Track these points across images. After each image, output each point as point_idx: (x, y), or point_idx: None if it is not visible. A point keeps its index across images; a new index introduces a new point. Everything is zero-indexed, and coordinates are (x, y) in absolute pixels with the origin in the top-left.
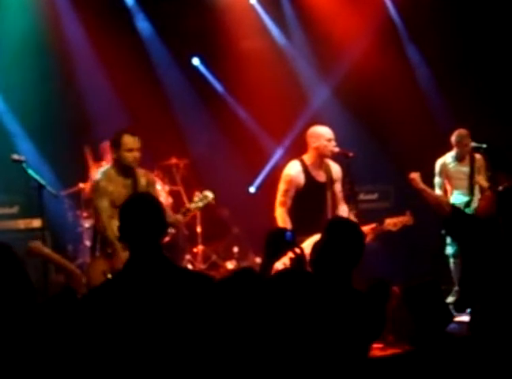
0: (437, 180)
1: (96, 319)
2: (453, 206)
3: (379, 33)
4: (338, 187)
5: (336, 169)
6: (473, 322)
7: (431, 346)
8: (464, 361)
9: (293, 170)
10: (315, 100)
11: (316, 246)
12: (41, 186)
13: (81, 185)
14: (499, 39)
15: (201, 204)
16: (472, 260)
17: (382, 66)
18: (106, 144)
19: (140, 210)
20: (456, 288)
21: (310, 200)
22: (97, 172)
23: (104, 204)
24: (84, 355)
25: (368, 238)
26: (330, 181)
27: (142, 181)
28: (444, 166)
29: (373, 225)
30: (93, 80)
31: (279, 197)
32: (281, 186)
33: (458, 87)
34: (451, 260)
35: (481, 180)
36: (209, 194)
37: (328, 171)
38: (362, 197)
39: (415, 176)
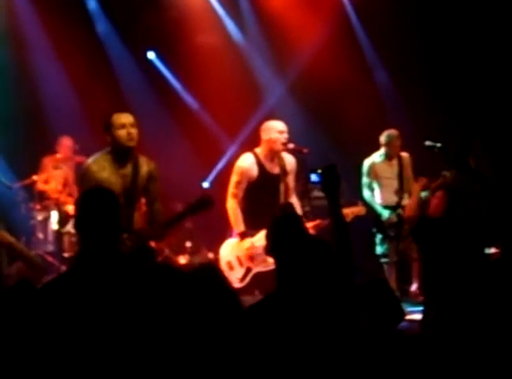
0: (365, 180)
1: (51, 312)
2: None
3: (335, 30)
4: (291, 179)
5: (290, 160)
6: (426, 320)
7: (381, 343)
8: (415, 359)
9: (246, 162)
10: (270, 96)
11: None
12: None
13: (35, 177)
14: (456, 39)
15: None
16: (432, 259)
17: (337, 63)
18: (63, 139)
19: (96, 204)
20: None
21: (263, 192)
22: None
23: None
24: (41, 347)
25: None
26: (284, 173)
27: (143, 171)
28: (373, 165)
29: (316, 221)
30: (48, 73)
31: (230, 189)
32: (233, 178)
33: (413, 85)
34: (382, 260)
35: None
36: None
37: (281, 163)
38: (315, 193)
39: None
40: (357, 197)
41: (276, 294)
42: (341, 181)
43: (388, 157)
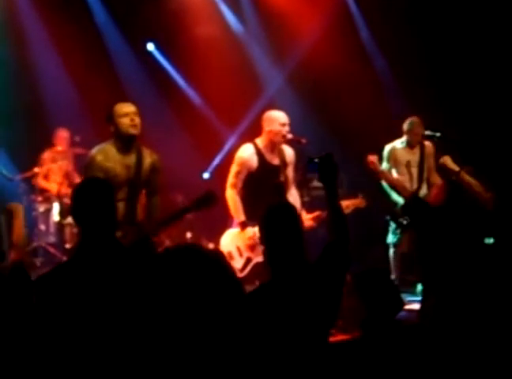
0: (385, 165)
1: (48, 302)
2: (411, 192)
3: (334, 19)
4: (290, 171)
5: (289, 152)
6: (424, 309)
7: (380, 333)
8: (413, 349)
9: (246, 152)
10: (270, 87)
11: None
12: None
13: (36, 169)
14: (455, 29)
15: None
16: (428, 247)
17: (336, 53)
18: (59, 131)
19: (92, 194)
20: (393, 277)
21: (263, 183)
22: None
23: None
24: (38, 337)
25: (309, 225)
26: (283, 164)
27: (146, 162)
28: (393, 151)
29: (316, 213)
30: (48, 65)
31: (230, 179)
32: (233, 168)
33: (413, 75)
34: (391, 250)
35: (448, 160)
36: None
37: (281, 155)
38: (315, 183)
39: (373, 159)
40: (356, 188)
41: (271, 283)
42: (340, 171)
43: (409, 145)
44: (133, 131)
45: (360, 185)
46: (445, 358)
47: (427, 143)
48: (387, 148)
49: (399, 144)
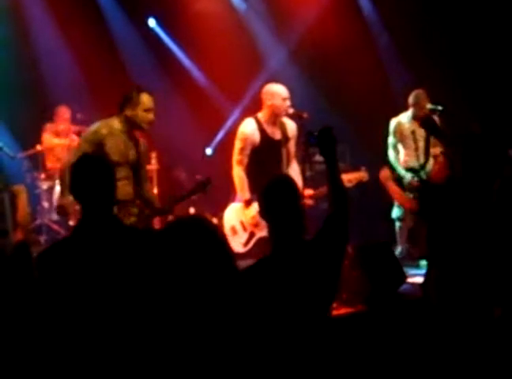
0: (391, 140)
1: (48, 278)
2: (415, 203)
3: None
4: (292, 145)
5: (291, 126)
6: (427, 283)
7: (383, 306)
8: (416, 321)
9: (248, 127)
10: (272, 61)
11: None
12: None
13: (38, 147)
14: (460, 3)
15: None
16: (433, 224)
17: (339, 28)
18: (60, 108)
19: (91, 170)
20: (399, 249)
21: (265, 158)
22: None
23: (87, 149)
24: (38, 313)
25: (307, 203)
26: (285, 138)
27: (142, 147)
28: (399, 126)
29: (311, 191)
30: (48, 43)
31: (235, 156)
32: (237, 145)
33: (415, 48)
34: (397, 224)
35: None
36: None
37: (283, 129)
38: (317, 158)
39: (385, 174)
40: (359, 161)
41: (270, 257)
42: (344, 144)
43: (415, 118)
44: (147, 127)
45: (363, 156)
46: (446, 332)
47: (434, 117)
48: (393, 122)
49: (405, 118)
